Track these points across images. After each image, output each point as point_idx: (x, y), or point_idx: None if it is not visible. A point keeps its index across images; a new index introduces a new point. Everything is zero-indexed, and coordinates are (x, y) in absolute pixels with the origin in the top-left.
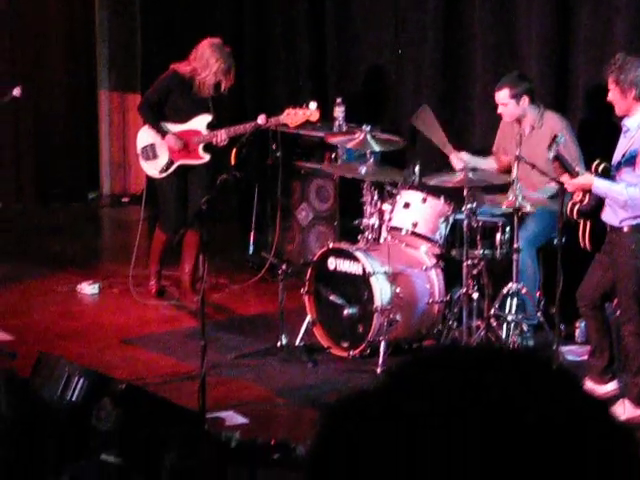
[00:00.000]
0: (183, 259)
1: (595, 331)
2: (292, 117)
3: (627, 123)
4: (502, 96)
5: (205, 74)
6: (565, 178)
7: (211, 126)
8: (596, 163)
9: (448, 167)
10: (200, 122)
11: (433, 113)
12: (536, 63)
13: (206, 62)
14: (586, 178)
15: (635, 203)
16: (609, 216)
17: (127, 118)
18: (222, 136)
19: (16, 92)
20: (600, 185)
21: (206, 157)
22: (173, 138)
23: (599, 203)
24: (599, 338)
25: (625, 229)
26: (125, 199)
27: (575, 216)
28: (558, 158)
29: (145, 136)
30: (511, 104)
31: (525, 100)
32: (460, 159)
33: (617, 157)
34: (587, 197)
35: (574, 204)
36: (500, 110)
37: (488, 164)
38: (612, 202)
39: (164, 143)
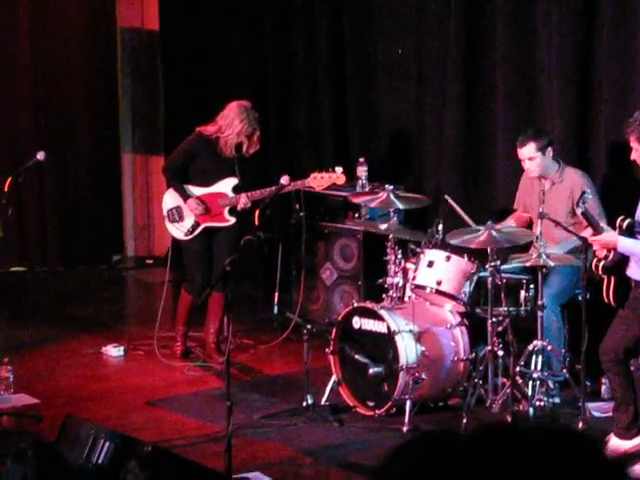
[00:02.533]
0: (208, 320)
1: (619, 386)
2: (318, 181)
3: None
4: (528, 151)
5: (228, 132)
6: (587, 233)
7: (237, 189)
8: (620, 219)
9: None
10: (226, 185)
11: (454, 201)
12: (558, 119)
13: (231, 121)
14: (611, 235)
15: None
16: (634, 272)
17: (150, 180)
18: (246, 200)
19: (40, 156)
20: (625, 243)
21: (232, 220)
22: (195, 202)
23: (623, 259)
24: (623, 393)
25: None
26: (149, 261)
27: (600, 272)
28: (585, 214)
29: (171, 199)
30: (538, 157)
31: (550, 151)
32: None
33: None
34: (611, 253)
35: (599, 260)
36: (527, 165)
37: (509, 225)
38: (637, 258)
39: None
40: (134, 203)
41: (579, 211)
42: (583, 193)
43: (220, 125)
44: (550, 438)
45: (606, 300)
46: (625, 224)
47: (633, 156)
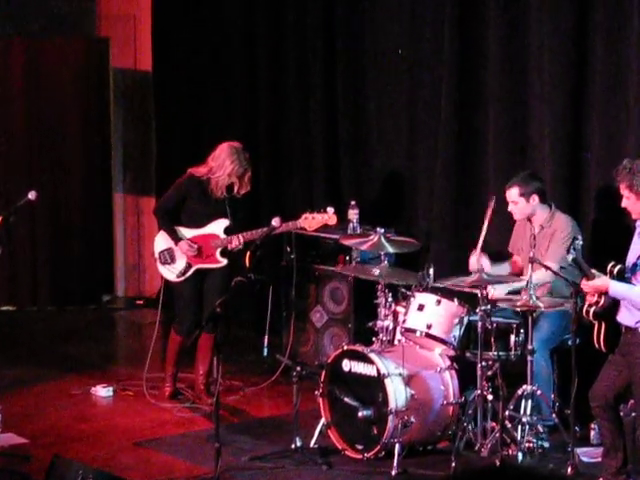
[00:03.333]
0: (197, 361)
1: (609, 431)
2: (310, 221)
3: None
4: (512, 194)
5: (219, 174)
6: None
7: (228, 230)
8: (611, 265)
9: (462, 270)
10: (217, 226)
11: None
12: (549, 164)
13: (222, 162)
14: (603, 280)
15: None
16: (625, 317)
17: (142, 221)
18: (238, 241)
19: (31, 195)
20: (617, 288)
21: (224, 261)
22: (186, 244)
23: (614, 305)
24: (613, 439)
25: None
26: (139, 302)
27: (591, 317)
28: (575, 260)
29: (162, 241)
30: (521, 202)
31: (535, 199)
32: (479, 262)
33: (632, 258)
34: (602, 299)
35: (590, 306)
36: (510, 208)
37: (504, 269)
38: (628, 304)
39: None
40: (125, 244)
41: (570, 257)
42: (574, 240)
43: (211, 166)
44: None
45: (597, 345)
46: (616, 270)
47: (624, 203)
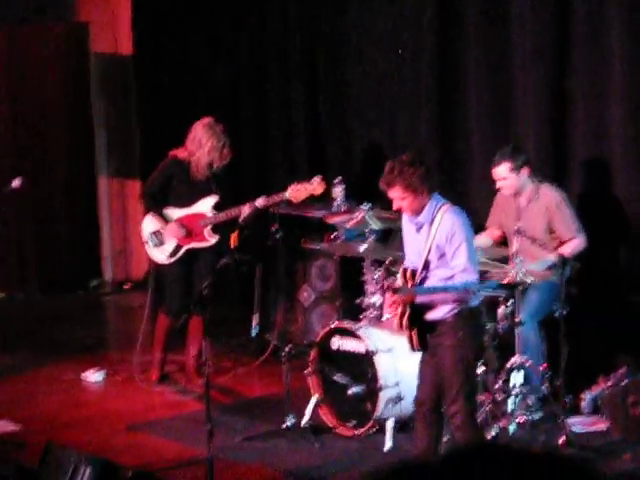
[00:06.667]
0: (188, 343)
1: (427, 437)
2: (296, 192)
3: None
4: (501, 171)
5: (199, 154)
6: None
7: (218, 207)
8: (402, 271)
9: None
10: (205, 205)
11: None
12: (533, 135)
13: (199, 142)
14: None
15: None
16: (435, 314)
17: (127, 204)
18: (223, 218)
19: (16, 183)
20: (423, 293)
21: (214, 239)
22: (175, 226)
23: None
24: (429, 444)
25: None
26: (127, 285)
27: (404, 329)
28: None
29: (150, 223)
30: (512, 177)
31: (525, 172)
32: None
33: (415, 257)
34: (407, 308)
35: (400, 317)
36: (499, 184)
37: (484, 241)
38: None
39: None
40: (111, 227)
41: None
42: None
43: (190, 149)
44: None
45: (415, 349)
46: (408, 274)
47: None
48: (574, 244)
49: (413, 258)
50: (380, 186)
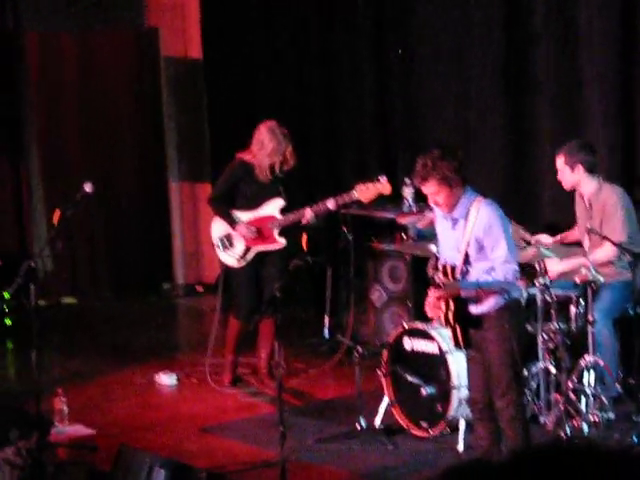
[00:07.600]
0: (259, 346)
1: (488, 432)
2: (364, 192)
3: None
4: (558, 162)
5: (261, 156)
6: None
7: (284, 211)
8: (442, 266)
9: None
10: (273, 207)
11: None
12: (603, 134)
13: (261, 144)
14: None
15: None
16: (480, 308)
17: (198, 207)
18: (291, 220)
19: (87, 188)
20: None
21: (282, 242)
22: (244, 227)
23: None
24: (492, 440)
25: None
26: (199, 288)
27: (451, 323)
28: None
29: (219, 227)
30: (565, 171)
31: (579, 169)
32: (538, 241)
33: (449, 250)
34: (452, 302)
35: (446, 313)
36: (558, 176)
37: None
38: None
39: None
40: (182, 231)
41: None
42: None
43: (254, 151)
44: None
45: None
46: (449, 269)
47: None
48: (603, 251)
49: (450, 254)
50: (414, 182)
